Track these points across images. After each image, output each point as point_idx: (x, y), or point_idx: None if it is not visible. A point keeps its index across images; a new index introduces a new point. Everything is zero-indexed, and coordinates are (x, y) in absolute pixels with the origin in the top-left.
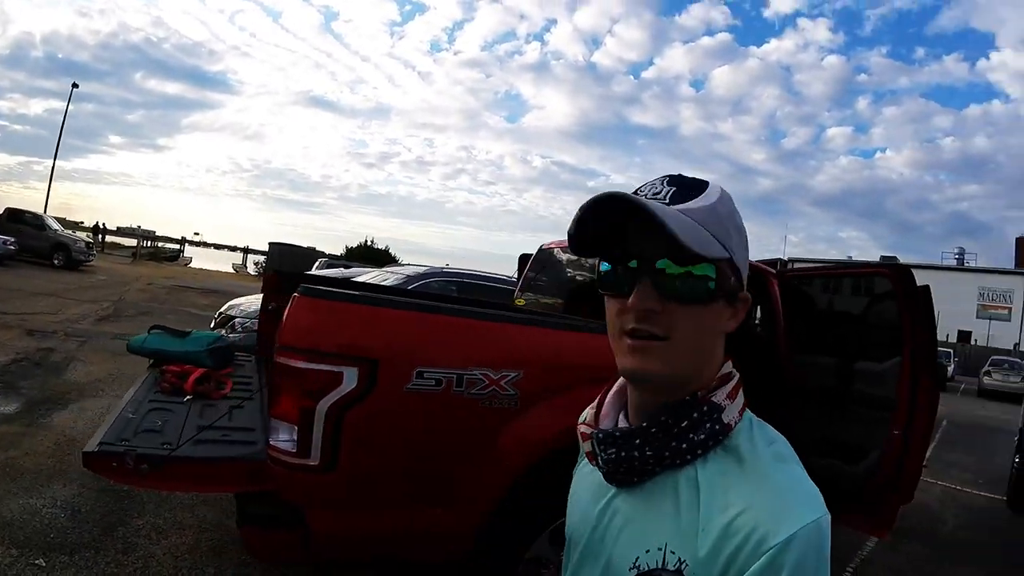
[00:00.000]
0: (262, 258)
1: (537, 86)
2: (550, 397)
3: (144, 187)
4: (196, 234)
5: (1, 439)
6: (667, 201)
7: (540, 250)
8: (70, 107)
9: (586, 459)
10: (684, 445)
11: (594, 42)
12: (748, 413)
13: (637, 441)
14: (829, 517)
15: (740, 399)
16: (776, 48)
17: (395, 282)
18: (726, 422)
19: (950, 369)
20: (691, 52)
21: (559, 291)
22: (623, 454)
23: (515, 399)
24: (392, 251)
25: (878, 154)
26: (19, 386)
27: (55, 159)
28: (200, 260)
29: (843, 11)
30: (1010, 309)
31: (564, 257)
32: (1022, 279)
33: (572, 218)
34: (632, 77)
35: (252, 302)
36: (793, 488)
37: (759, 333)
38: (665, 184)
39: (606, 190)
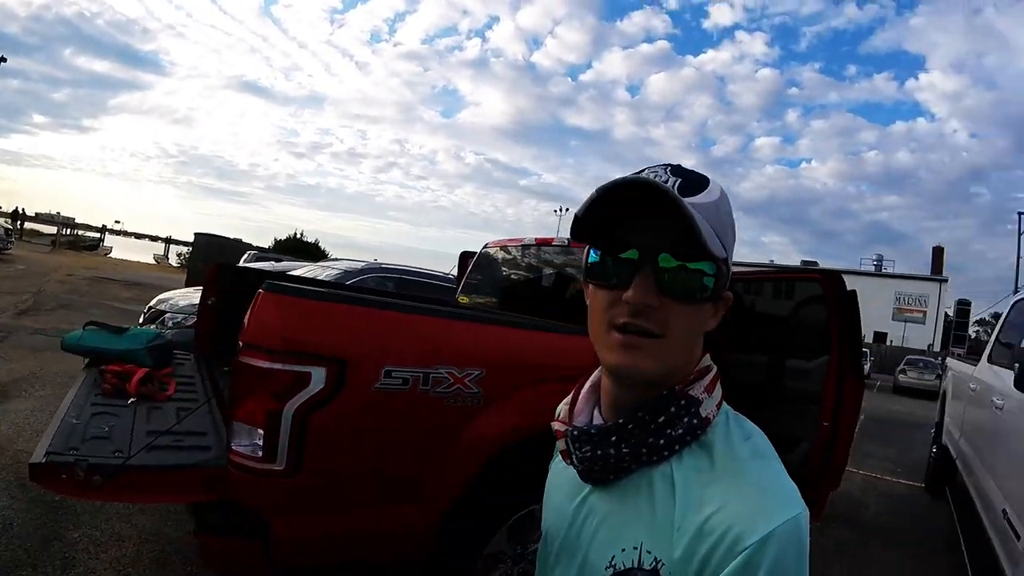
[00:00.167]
0: (185, 249)
1: (475, 83)
2: (510, 394)
3: (66, 171)
4: (117, 222)
5: None
6: (676, 192)
7: (485, 248)
8: None
9: (562, 459)
10: (662, 441)
11: (535, 42)
12: (725, 407)
13: (613, 438)
14: (807, 513)
15: (718, 392)
16: (712, 58)
17: (332, 277)
18: (704, 416)
19: (867, 367)
20: (630, 58)
21: (504, 290)
22: (599, 452)
23: (478, 397)
24: (322, 245)
25: (803, 164)
26: None
27: None
28: (121, 250)
29: (781, 26)
30: (924, 313)
31: (509, 256)
32: (936, 285)
33: (585, 199)
34: (570, 79)
35: (183, 296)
36: (769, 485)
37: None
38: (670, 173)
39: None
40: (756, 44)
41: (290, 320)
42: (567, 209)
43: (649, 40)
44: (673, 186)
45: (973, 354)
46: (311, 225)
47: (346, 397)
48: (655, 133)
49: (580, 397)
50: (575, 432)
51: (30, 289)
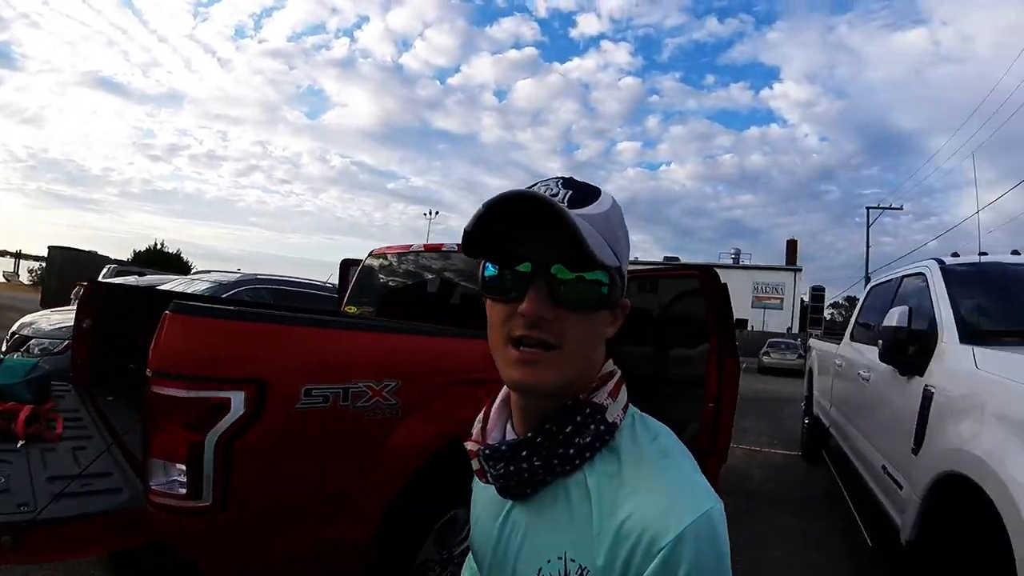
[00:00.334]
0: (38, 265)
1: (342, 83)
2: (427, 402)
3: None
4: None
5: None
6: (566, 204)
7: (370, 255)
8: None
9: (479, 479)
10: (571, 451)
11: (404, 44)
12: (632, 409)
13: (524, 453)
14: (721, 507)
15: (623, 396)
16: (578, 66)
17: (207, 291)
18: (611, 421)
19: None
20: (498, 63)
21: (392, 297)
22: (512, 468)
23: (396, 408)
24: (184, 256)
25: (663, 167)
26: None
27: None
28: None
29: (644, 37)
30: (782, 299)
31: (396, 263)
32: (792, 274)
33: (474, 214)
34: (438, 82)
35: (48, 319)
36: (678, 484)
37: None
38: (561, 186)
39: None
40: (620, 54)
41: (202, 342)
42: (437, 213)
43: (517, 46)
44: (563, 199)
45: (830, 334)
46: (168, 234)
47: (268, 420)
48: (522, 137)
49: (491, 414)
50: (487, 451)
51: None
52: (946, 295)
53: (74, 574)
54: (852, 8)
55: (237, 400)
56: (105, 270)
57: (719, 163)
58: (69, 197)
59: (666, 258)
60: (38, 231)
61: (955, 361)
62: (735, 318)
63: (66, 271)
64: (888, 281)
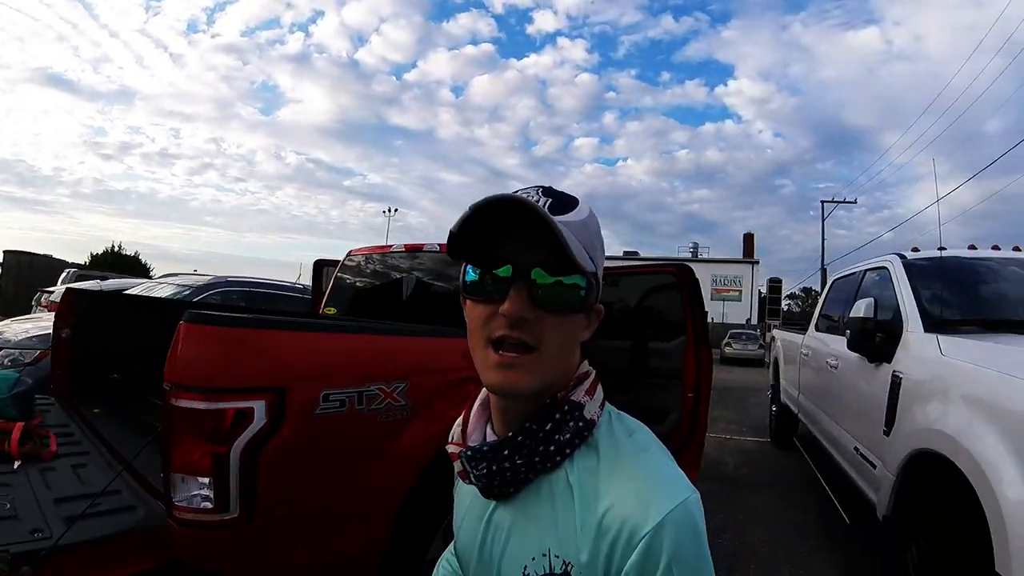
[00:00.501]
0: None
1: (296, 79)
2: (432, 402)
3: None
4: None
5: None
6: (542, 204)
7: (349, 256)
8: None
9: (461, 480)
10: (552, 448)
11: (360, 39)
12: (609, 407)
13: (506, 452)
14: (697, 497)
15: (599, 395)
16: (535, 63)
17: (179, 295)
18: (589, 418)
19: None
20: (455, 59)
21: (372, 298)
22: (494, 467)
23: (406, 409)
24: (142, 258)
25: (620, 163)
26: None
27: None
28: None
29: (601, 35)
30: (740, 291)
31: (376, 263)
32: (749, 267)
33: (459, 216)
34: (394, 78)
35: (18, 328)
36: (655, 475)
37: None
38: (541, 194)
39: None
40: (577, 50)
41: (221, 352)
42: (396, 210)
43: (474, 42)
44: (544, 206)
45: (788, 324)
46: (122, 235)
47: (288, 428)
48: (479, 133)
49: (471, 417)
50: (468, 452)
51: None
52: (909, 287)
53: None
54: (806, 7)
55: (259, 409)
56: (64, 274)
57: (676, 159)
58: (20, 199)
59: (625, 253)
60: None
61: (921, 349)
62: None
63: (23, 276)
64: (850, 274)
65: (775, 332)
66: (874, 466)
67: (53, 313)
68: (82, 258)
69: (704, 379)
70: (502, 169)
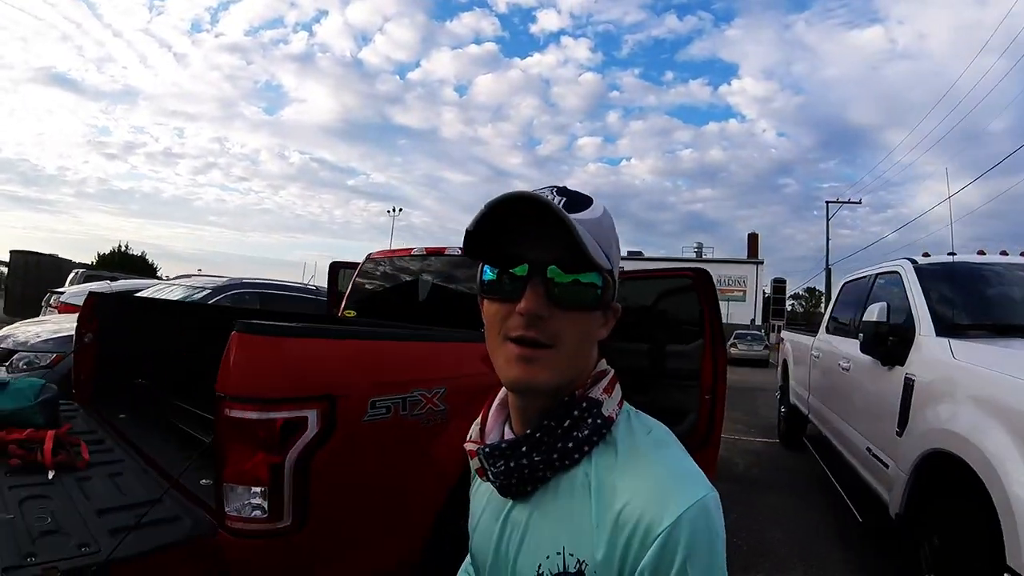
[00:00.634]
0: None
1: (300, 78)
2: (467, 406)
3: None
4: None
5: None
6: (558, 201)
7: (369, 258)
8: None
9: (479, 478)
10: (571, 444)
11: (363, 38)
12: (627, 405)
13: (524, 449)
14: (715, 495)
15: (617, 393)
16: (538, 62)
17: (195, 296)
18: (607, 415)
19: None
20: (458, 58)
21: (392, 301)
22: (512, 464)
23: (444, 414)
24: (149, 258)
25: (623, 162)
26: None
27: None
28: None
29: (604, 34)
30: (745, 291)
31: (396, 266)
32: (754, 267)
33: (472, 216)
34: (398, 77)
35: (32, 331)
36: (673, 472)
37: None
38: (555, 194)
39: (510, 191)
40: (580, 49)
41: (274, 361)
42: (400, 210)
43: (478, 41)
44: (560, 205)
45: (792, 325)
46: (125, 235)
47: (339, 435)
48: (483, 132)
49: (490, 416)
50: (487, 449)
51: None
52: (921, 292)
53: None
54: (810, 6)
55: (312, 417)
56: (72, 275)
57: (679, 158)
58: (24, 198)
59: (630, 252)
60: None
61: (933, 352)
62: None
63: (30, 276)
64: (861, 278)
65: (784, 334)
66: (887, 466)
67: (64, 315)
68: (87, 258)
69: (720, 381)
70: (506, 168)
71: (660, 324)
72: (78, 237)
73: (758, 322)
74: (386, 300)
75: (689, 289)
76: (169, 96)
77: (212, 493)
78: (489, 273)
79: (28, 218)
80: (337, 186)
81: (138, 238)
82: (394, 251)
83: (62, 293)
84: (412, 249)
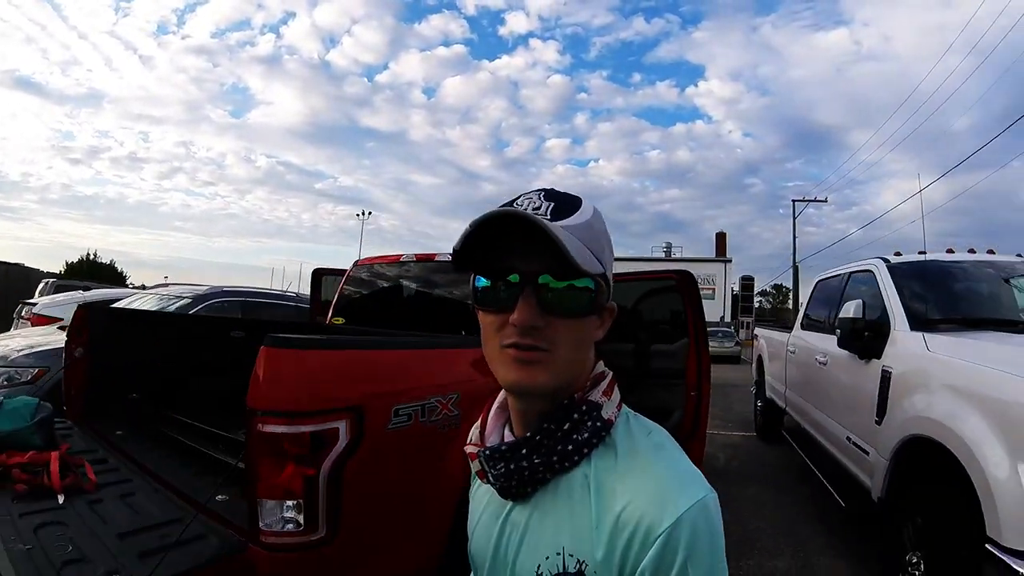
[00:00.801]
0: None
1: (267, 80)
2: (477, 410)
3: None
4: None
5: None
6: (548, 217)
7: (356, 265)
8: None
9: (479, 480)
10: (570, 447)
11: (331, 40)
12: (625, 408)
13: (524, 451)
14: (715, 496)
15: (616, 395)
16: (507, 64)
17: (174, 306)
18: (606, 418)
19: None
20: (427, 60)
21: (382, 308)
22: (512, 466)
23: (458, 419)
24: (118, 266)
25: (591, 163)
26: None
27: None
28: None
29: (573, 36)
30: (714, 289)
31: (384, 272)
32: (722, 265)
33: (461, 233)
34: (366, 79)
35: (9, 345)
36: (672, 474)
37: None
38: (543, 199)
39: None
40: (549, 52)
41: (304, 375)
42: (369, 213)
43: (446, 44)
44: (546, 211)
45: (761, 321)
46: (91, 241)
47: (366, 444)
48: (451, 135)
49: (490, 419)
50: (487, 452)
51: None
52: (895, 289)
53: None
54: (776, 9)
55: (343, 428)
56: (42, 285)
57: (647, 159)
58: None
59: None
60: None
61: (909, 346)
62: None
63: None
64: (834, 276)
65: (758, 331)
66: (867, 453)
67: (40, 327)
68: (53, 266)
69: (704, 378)
70: (474, 170)
71: (646, 325)
72: (42, 245)
73: (727, 319)
74: (375, 307)
75: (673, 290)
76: (134, 99)
77: (229, 509)
78: (482, 283)
79: None
80: (304, 190)
81: (103, 245)
82: (382, 258)
83: (34, 304)
84: (401, 255)
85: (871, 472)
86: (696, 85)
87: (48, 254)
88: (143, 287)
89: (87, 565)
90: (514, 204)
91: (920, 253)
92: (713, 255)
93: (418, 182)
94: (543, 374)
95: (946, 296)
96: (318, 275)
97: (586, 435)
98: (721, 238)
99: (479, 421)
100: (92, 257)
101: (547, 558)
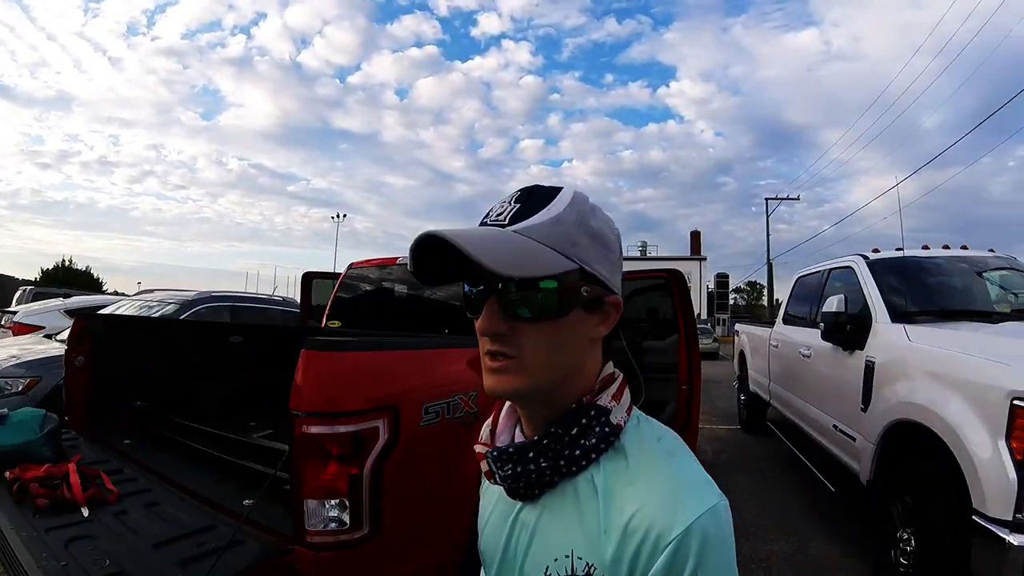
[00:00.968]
0: None
1: (238, 82)
2: (491, 406)
3: None
4: None
5: None
6: (507, 222)
7: (351, 268)
8: None
9: (487, 480)
10: (578, 452)
11: (303, 41)
12: (636, 411)
13: (531, 454)
14: (726, 503)
15: (626, 399)
16: (480, 65)
17: (170, 312)
18: (615, 423)
19: None
20: (399, 61)
21: (377, 310)
22: (519, 469)
23: (476, 415)
24: (93, 272)
25: (565, 163)
26: None
27: None
28: None
29: (545, 37)
30: (690, 287)
31: (380, 275)
32: (697, 263)
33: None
34: (338, 81)
35: (5, 354)
36: (684, 481)
37: None
38: (513, 202)
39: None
40: (521, 53)
41: (345, 376)
42: (344, 215)
43: (419, 44)
44: (508, 216)
45: (736, 317)
46: (62, 247)
47: (402, 442)
48: (424, 136)
49: (501, 418)
50: (495, 453)
51: None
52: (875, 284)
53: None
54: (746, 10)
55: (382, 427)
56: (19, 293)
57: (620, 159)
58: None
59: None
60: None
61: (890, 337)
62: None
63: None
64: (814, 273)
65: (738, 327)
66: (854, 439)
67: (24, 337)
68: (25, 273)
69: (695, 372)
70: (449, 172)
71: (637, 322)
72: (13, 251)
73: (704, 316)
74: (370, 309)
75: (664, 288)
76: (104, 102)
77: (262, 514)
78: (464, 291)
79: None
80: (277, 192)
81: (74, 251)
82: (378, 261)
83: (15, 313)
84: (397, 258)
85: (858, 457)
86: (668, 86)
87: (19, 261)
88: (116, 293)
89: None
90: (490, 212)
91: (897, 250)
92: (688, 253)
93: (392, 184)
94: (511, 380)
95: (924, 290)
96: (308, 279)
97: (594, 440)
98: (696, 236)
99: (490, 419)
100: (68, 264)
101: (556, 560)
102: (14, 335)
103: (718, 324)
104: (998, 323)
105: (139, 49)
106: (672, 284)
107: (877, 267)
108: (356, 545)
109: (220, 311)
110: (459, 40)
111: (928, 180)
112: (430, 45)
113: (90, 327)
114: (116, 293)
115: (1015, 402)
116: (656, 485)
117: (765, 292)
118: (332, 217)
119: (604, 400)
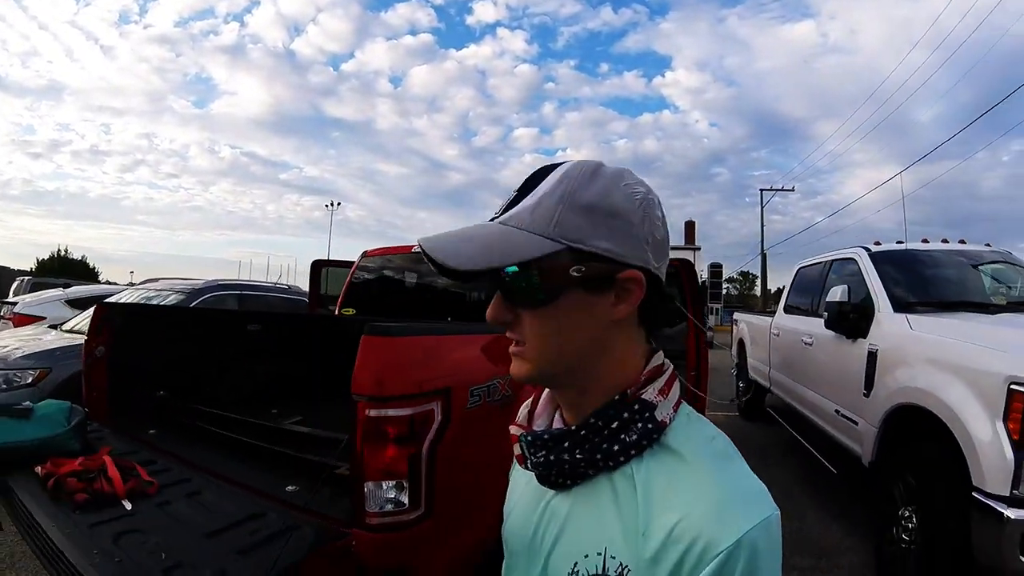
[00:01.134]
0: None
1: (231, 70)
2: (521, 389)
3: None
4: None
5: None
6: (499, 213)
7: (364, 256)
8: None
9: (519, 464)
10: (616, 447)
11: (296, 29)
12: (684, 407)
13: (566, 444)
14: (778, 515)
15: (675, 394)
16: (474, 53)
17: (178, 300)
18: (660, 419)
19: None
20: (393, 49)
21: (392, 297)
22: (552, 457)
23: (511, 398)
24: (89, 262)
25: (559, 153)
26: None
27: None
28: None
29: (540, 26)
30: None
31: (393, 263)
32: (692, 253)
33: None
34: (332, 68)
35: (6, 348)
36: (736, 489)
37: None
38: (515, 191)
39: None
40: (516, 41)
41: (403, 360)
42: (339, 204)
43: (413, 32)
44: (504, 206)
45: (729, 307)
46: (53, 237)
47: (454, 424)
48: (418, 124)
49: (541, 400)
50: (529, 437)
51: None
52: (877, 275)
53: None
54: (743, 1)
55: (436, 409)
56: (16, 283)
57: (614, 148)
58: None
59: None
60: None
61: (893, 326)
62: None
63: None
64: (815, 264)
65: (737, 316)
66: (856, 423)
67: (29, 327)
68: (18, 263)
69: (703, 359)
70: (442, 160)
71: None
72: (4, 242)
73: None
74: (385, 296)
75: (673, 277)
76: (96, 90)
77: (300, 498)
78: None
79: None
80: (269, 180)
81: (66, 240)
82: (392, 249)
83: (15, 303)
84: (412, 246)
85: (860, 440)
86: (663, 75)
87: (11, 251)
88: (108, 282)
89: (191, 570)
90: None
91: (899, 242)
92: (683, 243)
93: (385, 172)
94: (521, 366)
95: (924, 281)
96: (317, 267)
97: (635, 437)
98: (690, 227)
99: (530, 399)
100: (64, 253)
101: (586, 556)
102: (15, 326)
103: (711, 313)
104: (995, 314)
105: (131, 37)
106: (683, 273)
107: (879, 258)
108: (413, 526)
109: (227, 299)
110: (454, 28)
111: (923, 174)
112: (425, 33)
113: (109, 317)
114: (108, 283)
115: (1012, 386)
116: (706, 491)
117: (759, 282)
118: (326, 206)
119: (650, 394)
